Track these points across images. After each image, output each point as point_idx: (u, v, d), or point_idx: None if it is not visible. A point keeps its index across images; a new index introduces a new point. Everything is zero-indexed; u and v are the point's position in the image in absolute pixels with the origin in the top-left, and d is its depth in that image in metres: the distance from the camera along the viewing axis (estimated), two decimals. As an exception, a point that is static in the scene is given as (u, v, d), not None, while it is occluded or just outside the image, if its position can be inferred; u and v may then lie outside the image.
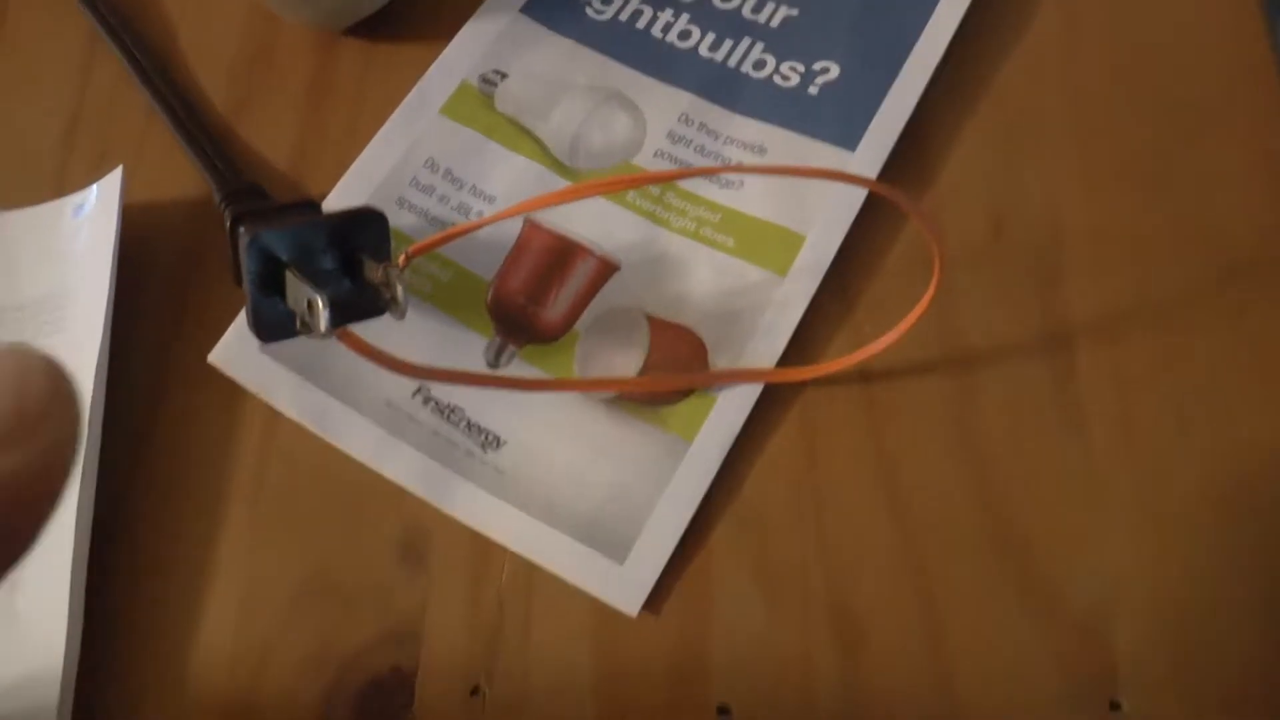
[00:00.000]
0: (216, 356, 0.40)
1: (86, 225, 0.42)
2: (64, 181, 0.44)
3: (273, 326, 0.36)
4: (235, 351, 0.40)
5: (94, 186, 0.42)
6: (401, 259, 0.34)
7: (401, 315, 0.34)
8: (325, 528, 0.38)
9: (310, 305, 0.33)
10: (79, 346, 0.39)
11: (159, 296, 0.42)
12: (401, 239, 0.41)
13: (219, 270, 0.42)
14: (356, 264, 0.36)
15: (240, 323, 0.40)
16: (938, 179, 0.42)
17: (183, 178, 0.44)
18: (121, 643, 0.36)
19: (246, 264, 0.34)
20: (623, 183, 0.33)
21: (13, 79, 0.47)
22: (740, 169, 0.32)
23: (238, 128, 0.45)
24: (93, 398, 0.38)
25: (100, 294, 0.40)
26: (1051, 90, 0.43)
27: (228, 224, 0.39)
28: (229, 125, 0.45)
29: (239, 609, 0.37)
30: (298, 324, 0.34)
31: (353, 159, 0.43)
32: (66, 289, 0.41)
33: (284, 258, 0.35)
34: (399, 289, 0.34)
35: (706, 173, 0.32)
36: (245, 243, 0.34)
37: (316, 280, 0.34)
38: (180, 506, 0.38)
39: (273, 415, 0.39)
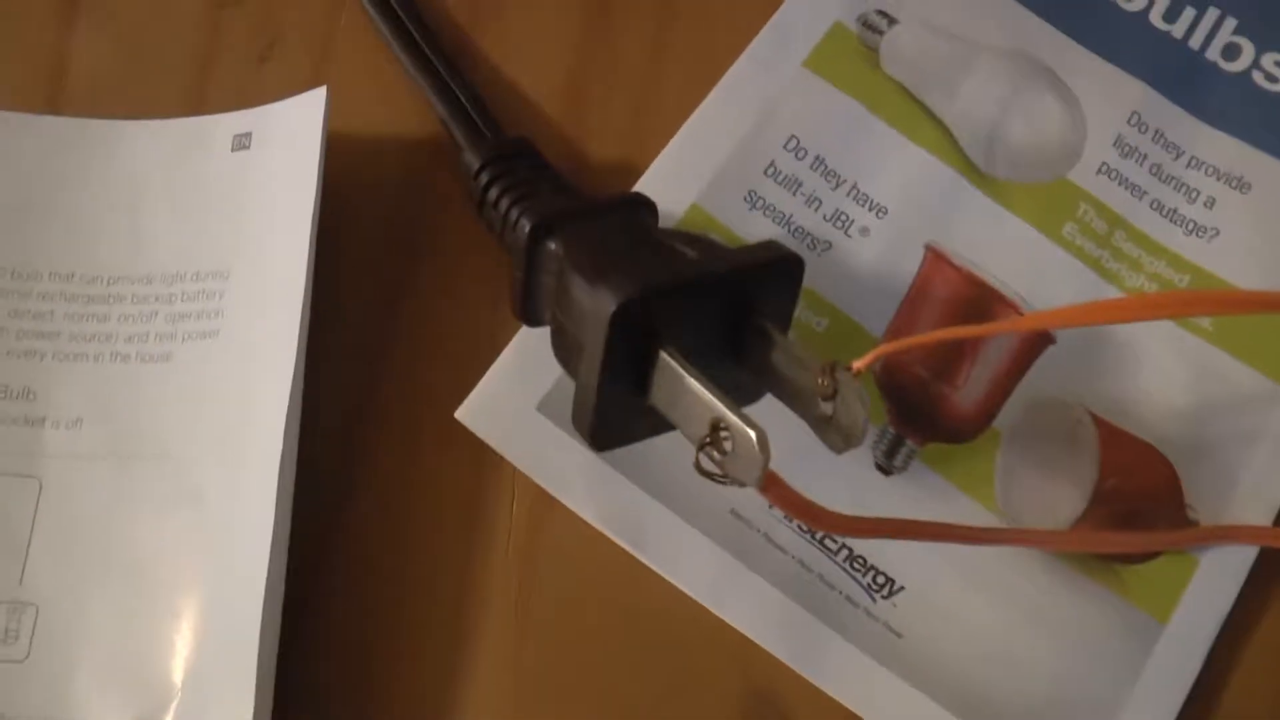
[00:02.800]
0: (469, 413, 0.26)
1: (258, 168, 0.27)
2: (204, 84, 0.29)
3: (616, 431, 0.23)
4: (498, 406, 0.27)
5: (273, 109, 0.27)
6: (864, 361, 0.22)
7: (848, 448, 0.22)
8: (629, 692, 0.26)
9: (721, 433, 0.20)
10: (248, 360, 0.26)
11: (367, 293, 0.28)
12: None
13: (456, 255, 0.28)
14: (739, 330, 0.23)
15: (506, 363, 0.27)
16: None
17: (392, 99, 0.29)
18: None
19: (604, 344, 0.21)
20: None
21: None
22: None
23: (480, 40, 0.30)
24: (284, 449, 0.24)
25: (290, 282, 0.26)
26: None
27: (522, 229, 0.25)
28: (466, 35, 0.30)
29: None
30: (695, 453, 0.21)
31: (655, 108, 0.29)
32: (222, 266, 0.27)
33: (659, 333, 0.22)
34: (859, 416, 0.22)
35: None
36: (609, 311, 0.21)
37: (695, 362, 0.21)
38: (399, 634, 0.26)
39: (547, 502, 0.26)
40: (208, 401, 0.26)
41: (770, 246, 0.23)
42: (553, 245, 0.24)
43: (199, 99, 0.28)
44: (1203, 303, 0.25)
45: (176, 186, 0.27)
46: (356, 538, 0.26)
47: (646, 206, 0.26)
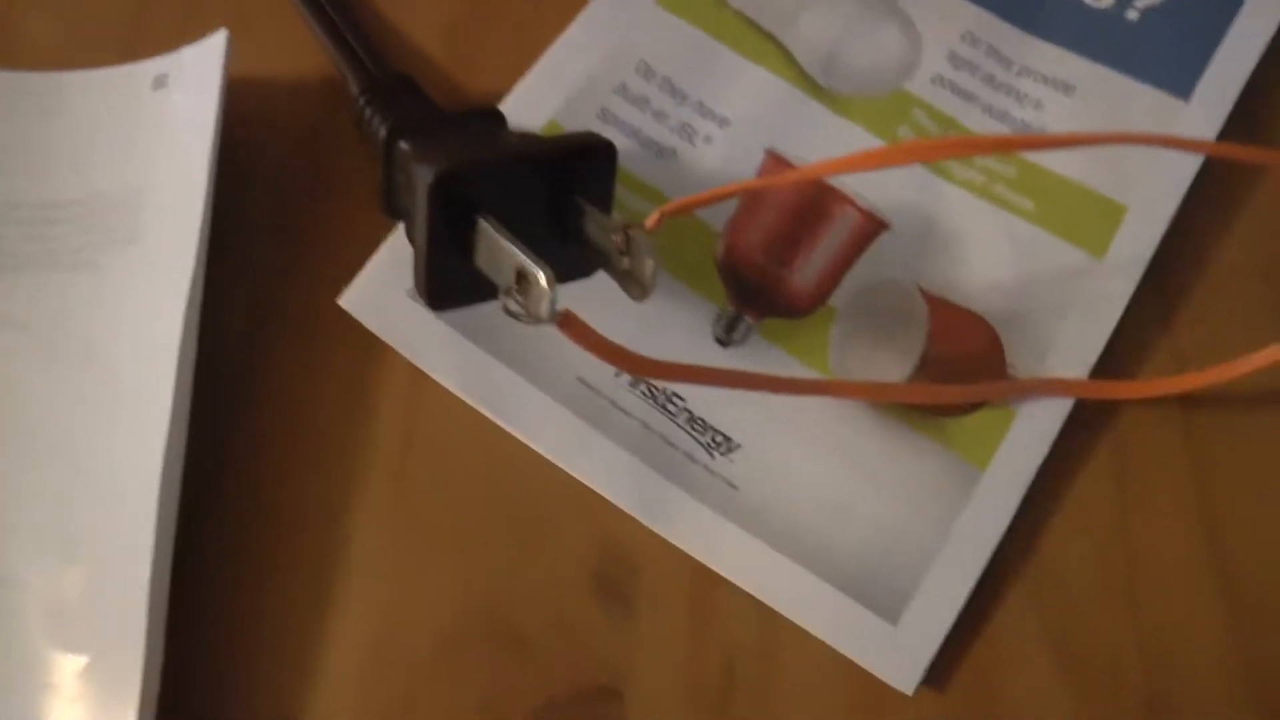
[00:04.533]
0: (351, 300, 0.30)
1: (172, 103, 0.31)
2: (137, 40, 0.33)
3: (451, 292, 0.27)
4: (375, 295, 0.30)
5: (184, 51, 0.32)
6: (652, 219, 0.25)
7: (645, 295, 0.25)
8: (493, 543, 0.29)
9: (523, 278, 0.24)
10: (160, 263, 0.29)
11: (266, 208, 0.32)
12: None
13: (348, 178, 0.32)
14: (563, 208, 0.26)
15: (383, 258, 0.30)
16: (1282, 145, 0.33)
17: (297, 47, 0.33)
18: (211, 687, 0.27)
19: (427, 211, 0.25)
20: (955, 147, 0.24)
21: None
22: (1071, 140, 0.23)
23: (374, -12, 0.34)
24: (182, 338, 0.28)
25: (193, 196, 0.30)
26: None
27: (381, 134, 0.29)
28: (361, -16, 0.34)
29: (372, 650, 0.27)
30: (500, 295, 0.25)
31: (532, 47, 0.33)
32: (142, 185, 0.31)
33: (480, 205, 0.25)
34: (648, 265, 0.25)
35: (1063, 144, 0.23)
36: (428, 182, 0.24)
37: (523, 235, 0.25)
38: (292, 500, 0.29)
39: (421, 379, 0.30)
40: (126, 301, 0.29)
41: (585, 135, 0.27)
42: (404, 145, 0.28)
43: (132, 52, 0.33)
44: (945, 148, 0.27)
45: (109, 123, 0.31)
46: (255, 419, 0.30)
47: (495, 115, 0.29)
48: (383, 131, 0.28)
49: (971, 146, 0.25)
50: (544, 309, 0.24)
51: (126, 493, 0.27)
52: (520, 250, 0.24)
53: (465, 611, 0.28)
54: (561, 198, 0.27)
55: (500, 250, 0.25)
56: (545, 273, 0.23)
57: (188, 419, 0.28)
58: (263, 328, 0.30)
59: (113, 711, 0.25)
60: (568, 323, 0.24)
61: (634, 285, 0.25)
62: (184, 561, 0.27)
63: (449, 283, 0.26)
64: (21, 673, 0.26)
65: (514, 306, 0.24)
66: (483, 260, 0.26)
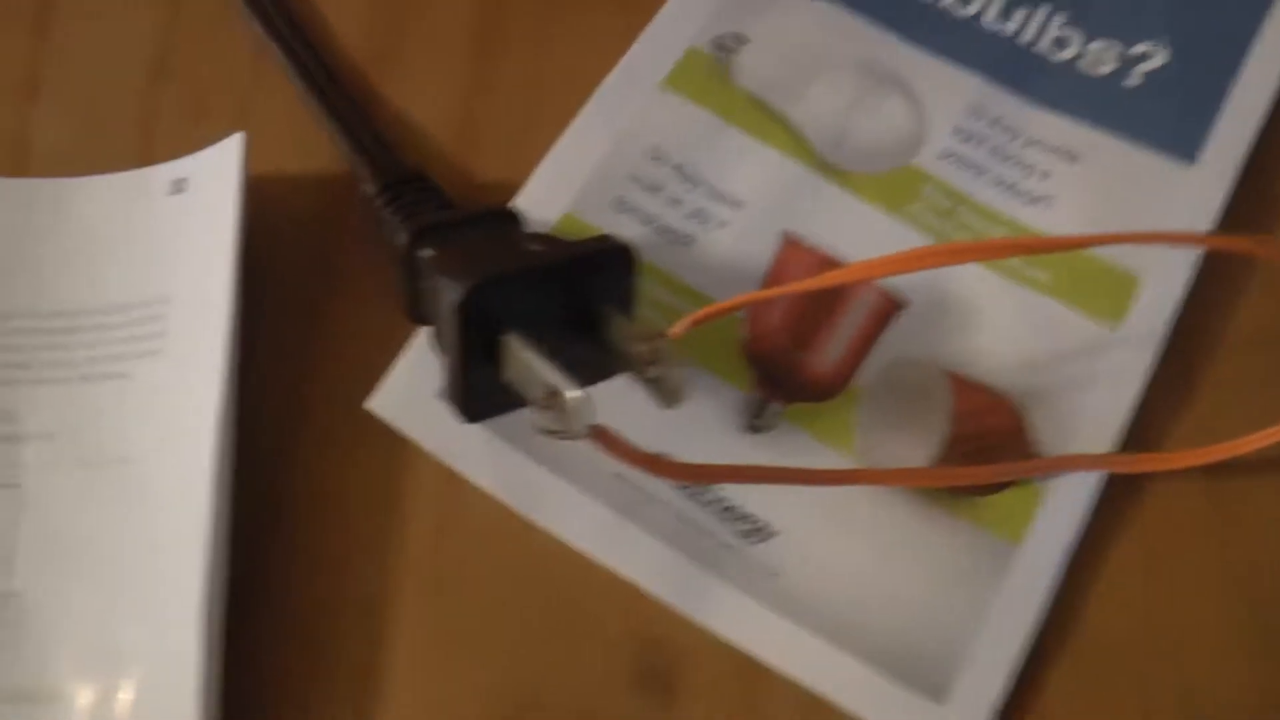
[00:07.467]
0: (380, 404, 0.30)
1: (190, 207, 0.31)
2: (149, 142, 0.33)
3: (484, 404, 0.27)
4: (403, 397, 0.30)
5: (202, 155, 0.32)
6: (679, 327, 0.25)
7: (674, 404, 0.25)
8: (533, 637, 0.29)
9: (553, 395, 0.24)
10: (188, 372, 0.30)
11: (288, 310, 0.32)
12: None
13: (364, 275, 0.32)
14: (586, 310, 0.27)
15: (410, 360, 0.30)
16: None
17: (307, 142, 0.33)
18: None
19: (457, 330, 0.25)
20: (1017, 247, 0.24)
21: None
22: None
23: (381, 84, 0.34)
24: (217, 445, 0.28)
25: (219, 302, 0.30)
26: None
27: (400, 240, 0.29)
28: (369, 80, 0.34)
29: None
30: (531, 411, 0.25)
31: (536, 132, 0.33)
32: (165, 293, 0.31)
33: (506, 316, 0.25)
34: (677, 375, 0.25)
35: (1069, 246, 0.23)
36: (455, 301, 0.25)
37: (547, 340, 0.25)
38: (329, 604, 0.29)
39: (452, 478, 0.30)
40: (157, 410, 0.29)
41: (602, 239, 0.27)
42: (426, 253, 0.28)
43: (145, 156, 0.33)
44: (997, 249, 0.27)
45: (125, 229, 0.31)
46: (288, 524, 0.30)
47: (510, 215, 0.30)
48: (402, 238, 0.28)
49: (986, 251, 0.25)
50: (578, 427, 0.24)
51: (170, 604, 0.27)
52: (550, 370, 0.24)
53: (508, 704, 0.28)
54: (583, 300, 0.27)
55: (527, 367, 0.25)
56: (583, 394, 0.24)
57: (229, 527, 0.28)
58: (290, 430, 0.30)
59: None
60: (601, 436, 0.25)
61: (663, 393, 0.26)
62: (228, 669, 0.27)
63: (482, 395, 0.27)
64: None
65: (547, 423, 0.25)
66: (512, 374, 0.26)
